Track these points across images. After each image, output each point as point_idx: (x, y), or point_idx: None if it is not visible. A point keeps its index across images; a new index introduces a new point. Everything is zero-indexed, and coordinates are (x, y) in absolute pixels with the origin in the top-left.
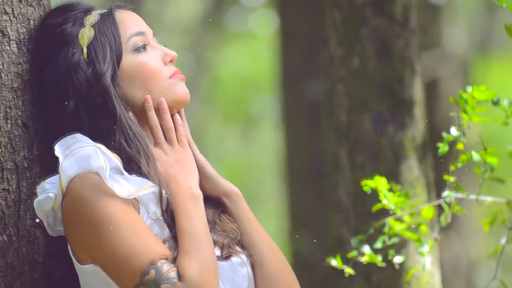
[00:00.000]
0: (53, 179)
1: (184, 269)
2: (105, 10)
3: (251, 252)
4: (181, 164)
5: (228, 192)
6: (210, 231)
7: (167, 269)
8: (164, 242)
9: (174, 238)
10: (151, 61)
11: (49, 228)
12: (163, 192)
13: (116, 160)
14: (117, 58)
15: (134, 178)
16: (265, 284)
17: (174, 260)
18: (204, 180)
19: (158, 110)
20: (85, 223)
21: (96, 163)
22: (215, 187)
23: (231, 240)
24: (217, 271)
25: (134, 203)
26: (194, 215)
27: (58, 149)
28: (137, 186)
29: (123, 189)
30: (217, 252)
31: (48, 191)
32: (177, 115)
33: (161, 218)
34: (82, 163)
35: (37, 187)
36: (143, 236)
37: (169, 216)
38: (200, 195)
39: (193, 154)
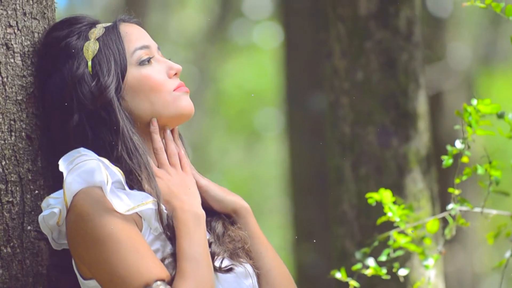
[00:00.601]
0: (58, 194)
1: None
2: (110, 24)
3: (257, 264)
4: (183, 185)
5: (237, 209)
6: (218, 242)
7: None
8: (164, 259)
9: (175, 255)
10: (155, 74)
11: (53, 242)
12: (163, 207)
13: (118, 174)
14: (122, 71)
15: (135, 193)
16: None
17: (172, 280)
18: (212, 202)
19: (162, 131)
20: (86, 240)
21: (98, 177)
22: (224, 206)
23: (239, 249)
24: None
25: (137, 218)
26: (195, 237)
27: (62, 164)
28: (137, 201)
29: (122, 204)
30: (223, 263)
31: (53, 206)
32: (182, 151)
33: (163, 233)
34: (86, 178)
35: (42, 202)
36: (141, 257)
37: (171, 231)
38: (203, 215)
39: (196, 179)
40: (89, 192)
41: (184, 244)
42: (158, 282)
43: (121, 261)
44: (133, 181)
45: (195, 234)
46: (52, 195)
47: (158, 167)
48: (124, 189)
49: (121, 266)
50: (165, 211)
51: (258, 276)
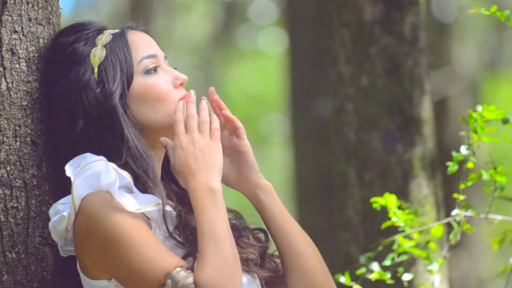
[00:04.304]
0: (66, 199)
1: (199, 274)
2: (117, 31)
3: (284, 245)
4: (205, 156)
5: (262, 185)
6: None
7: (184, 276)
8: None
9: (186, 256)
10: (161, 84)
11: (61, 250)
12: (168, 210)
13: (127, 177)
14: (128, 79)
15: (142, 195)
16: (301, 274)
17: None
18: (245, 167)
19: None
20: (99, 240)
21: (106, 179)
22: (253, 176)
23: (250, 261)
24: (238, 272)
25: (146, 220)
26: (212, 213)
27: (69, 169)
28: (144, 203)
29: (131, 205)
30: None
31: (62, 211)
32: (227, 112)
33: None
34: (92, 183)
35: (50, 209)
36: (156, 249)
37: (181, 232)
38: (219, 189)
39: (241, 140)
40: (96, 195)
41: (201, 221)
42: (178, 269)
43: (138, 256)
44: (139, 186)
45: (211, 211)
46: (60, 201)
47: (186, 132)
48: (133, 192)
49: (139, 261)
50: (173, 212)
51: (284, 262)
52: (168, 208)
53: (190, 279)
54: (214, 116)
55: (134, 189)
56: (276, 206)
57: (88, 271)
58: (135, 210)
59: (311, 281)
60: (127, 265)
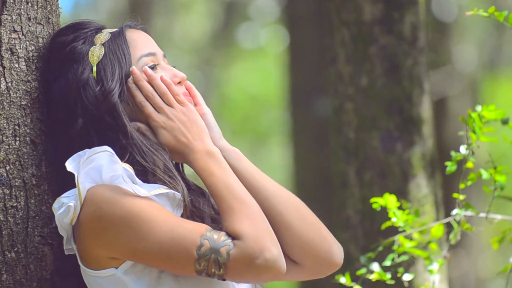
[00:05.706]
0: (70, 192)
1: (235, 227)
2: (116, 29)
3: (265, 206)
4: (188, 125)
5: (228, 148)
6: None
7: (218, 234)
8: None
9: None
10: None
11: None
12: (177, 195)
13: (129, 170)
14: (126, 77)
15: (147, 185)
16: (290, 232)
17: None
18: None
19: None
20: (116, 222)
21: (109, 172)
22: (215, 137)
23: None
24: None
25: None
26: (220, 172)
27: (70, 165)
28: (151, 189)
29: (140, 191)
30: None
31: (67, 203)
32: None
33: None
34: (94, 177)
35: (54, 203)
36: (179, 219)
37: (191, 218)
38: (216, 150)
39: (199, 105)
40: (102, 185)
41: (214, 184)
42: (209, 229)
43: (165, 226)
44: (148, 178)
45: (219, 171)
46: (63, 195)
47: (159, 112)
48: (136, 183)
49: (167, 231)
50: (180, 197)
51: (272, 224)
52: (178, 194)
53: (225, 236)
54: (167, 81)
55: (137, 179)
56: (245, 166)
57: (94, 262)
58: (145, 194)
59: (302, 236)
60: (156, 237)
